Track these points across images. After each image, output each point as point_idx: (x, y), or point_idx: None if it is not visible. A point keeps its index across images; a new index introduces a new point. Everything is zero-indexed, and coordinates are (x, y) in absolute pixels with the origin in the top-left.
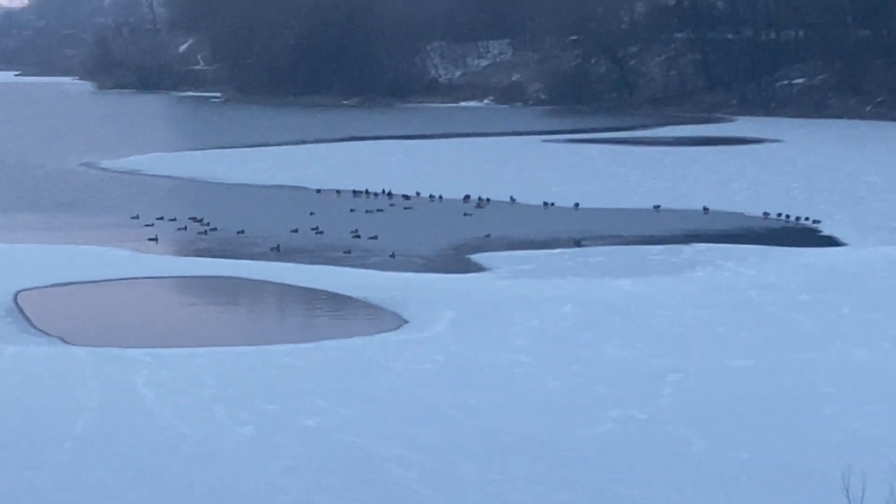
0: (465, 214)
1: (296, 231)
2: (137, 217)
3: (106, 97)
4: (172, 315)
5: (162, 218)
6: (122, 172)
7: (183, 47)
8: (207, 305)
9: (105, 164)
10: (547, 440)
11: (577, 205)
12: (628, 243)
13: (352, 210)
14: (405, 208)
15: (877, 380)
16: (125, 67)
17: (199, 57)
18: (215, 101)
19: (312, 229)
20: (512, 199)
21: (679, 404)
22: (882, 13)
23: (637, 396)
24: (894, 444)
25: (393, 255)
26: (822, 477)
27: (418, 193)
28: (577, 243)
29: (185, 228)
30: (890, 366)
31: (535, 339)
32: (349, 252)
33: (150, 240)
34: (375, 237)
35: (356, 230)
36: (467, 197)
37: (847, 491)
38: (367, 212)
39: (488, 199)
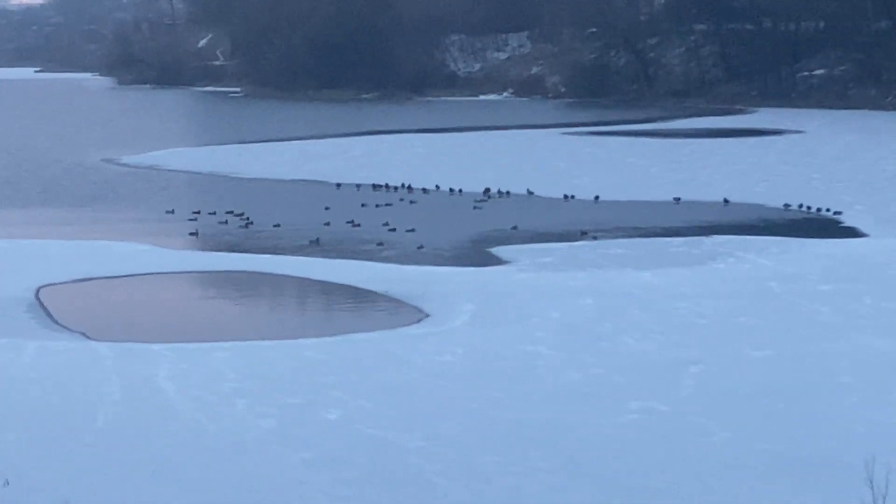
0: (474, 207)
1: (328, 224)
2: (173, 212)
3: (125, 92)
4: (193, 310)
5: (199, 212)
6: (142, 167)
7: (202, 42)
8: (228, 300)
9: (126, 159)
10: (567, 431)
11: (597, 197)
12: (648, 235)
13: (362, 205)
14: (411, 202)
15: None
16: (145, 63)
17: (218, 52)
18: (234, 96)
19: (348, 222)
20: (529, 191)
21: (700, 395)
22: None
23: (658, 387)
24: None
25: (421, 247)
26: (844, 467)
27: (438, 187)
28: (585, 234)
29: (227, 223)
30: None
31: (555, 331)
32: (381, 244)
33: (192, 234)
34: (413, 230)
35: (387, 223)
36: (487, 190)
37: (871, 481)
38: (387, 205)
39: (500, 192)
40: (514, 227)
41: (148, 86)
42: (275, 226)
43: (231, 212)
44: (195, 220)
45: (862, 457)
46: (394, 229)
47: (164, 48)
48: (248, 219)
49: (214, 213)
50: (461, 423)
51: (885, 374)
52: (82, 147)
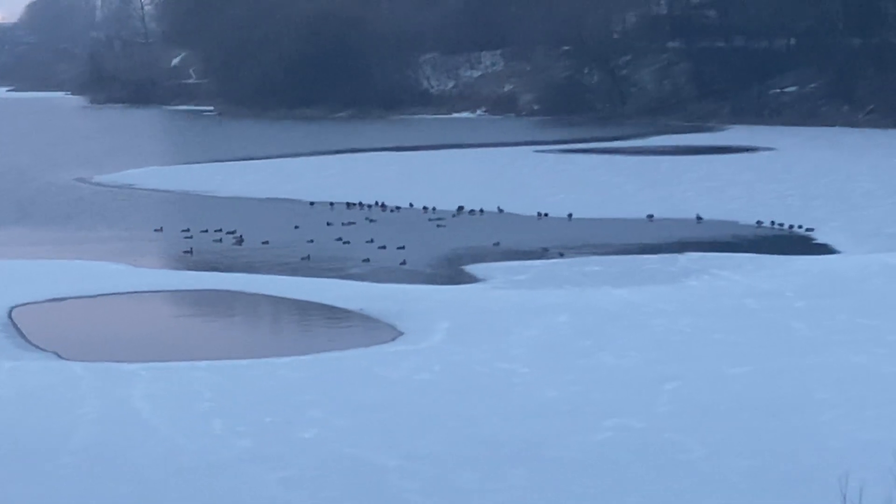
0: (437, 226)
1: (312, 241)
2: (161, 230)
3: (98, 111)
4: (169, 329)
5: (189, 230)
6: (116, 186)
7: (175, 61)
8: (204, 319)
9: (99, 178)
10: (546, 449)
11: (570, 215)
12: (623, 252)
13: (328, 223)
14: (371, 220)
15: (874, 385)
16: (118, 82)
17: (191, 71)
18: (208, 115)
19: (337, 239)
20: (499, 209)
21: (677, 412)
22: (873, 21)
23: (635, 404)
24: (892, 450)
25: (404, 262)
26: (820, 483)
27: (412, 205)
28: (547, 251)
29: (221, 241)
30: (887, 371)
31: (532, 349)
32: (368, 260)
33: (186, 252)
34: (403, 247)
35: (371, 240)
36: (461, 208)
37: (844, 497)
38: (350, 223)
39: (472, 211)
40: (497, 244)
41: (121, 105)
42: (263, 243)
43: (221, 229)
44: (190, 237)
45: (837, 473)
46: (384, 247)
47: (137, 67)
48: (240, 236)
49: (207, 231)
50: (439, 440)
51: (860, 390)
52: (55, 166)
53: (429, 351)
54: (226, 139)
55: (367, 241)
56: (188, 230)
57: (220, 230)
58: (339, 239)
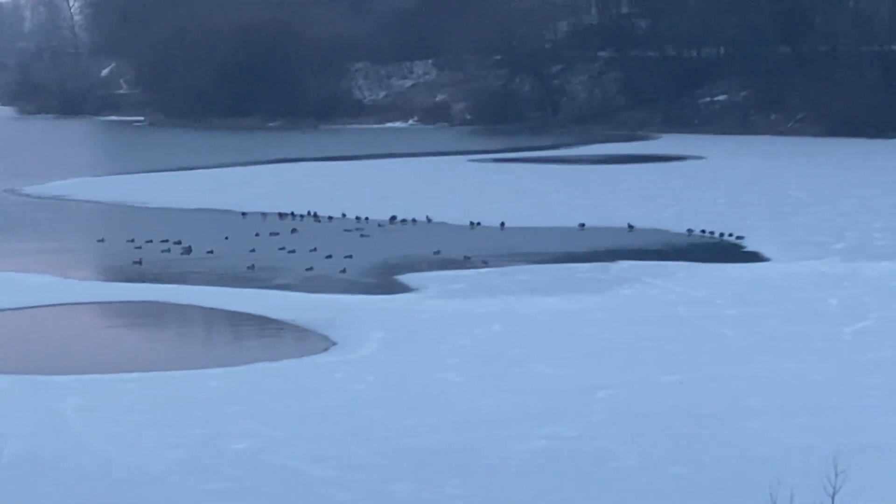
0: (361, 236)
1: (254, 251)
2: (103, 240)
3: (27, 122)
4: (101, 341)
5: (133, 240)
6: (47, 198)
7: (105, 71)
8: (135, 331)
9: (29, 189)
10: (480, 458)
11: (503, 224)
12: (555, 261)
13: (256, 234)
14: (293, 230)
15: (804, 392)
16: (47, 92)
17: (121, 81)
18: (138, 125)
19: (281, 249)
20: (428, 218)
21: (610, 420)
22: (801, 30)
23: (568, 413)
24: (821, 456)
25: (344, 271)
26: (750, 490)
27: (344, 215)
28: (469, 259)
29: (169, 251)
30: (816, 378)
31: (465, 358)
32: (311, 269)
33: (136, 262)
34: (351, 256)
35: (315, 248)
36: (393, 217)
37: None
38: (275, 233)
39: (404, 220)
40: (437, 252)
41: (51, 115)
42: (208, 252)
43: (167, 240)
44: (139, 248)
45: (767, 479)
46: (329, 256)
47: (66, 77)
48: (189, 246)
49: (152, 241)
50: (373, 451)
51: (790, 397)
52: None
53: (362, 361)
54: (157, 150)
55: (311, 250)
56: (133, 240)
57: (167, 240)
58: (283, 248)
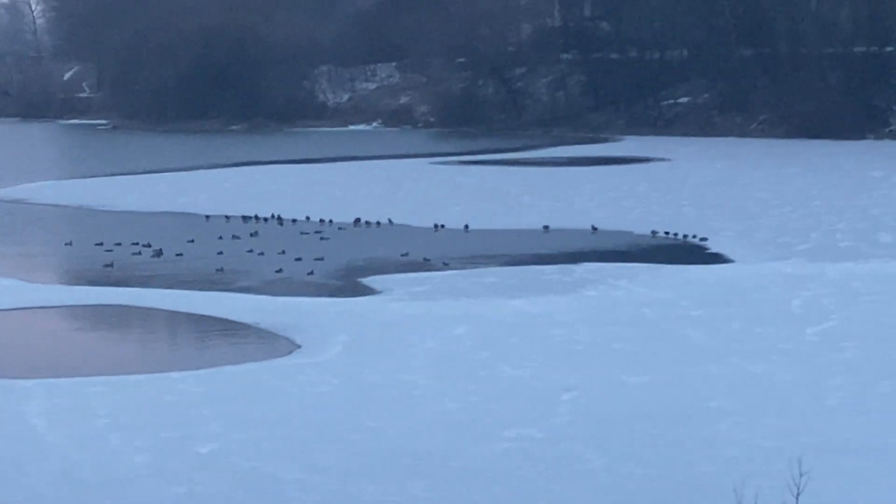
0: (321, 238)
1: (221, 253)
2: (71, 244)
3: None
4: (67, 345)
5: (102, 243)
6: (9, 201)
7: (68, 75)
8: (100, 334)
9: None
10: (446, 460)
11: (467, 226)
12: (520, 263)
13: (219, 237)
14: (252, 234)
15: (770, 393)
16: (9, 96)
17: (84, 84)
18: (102, 129)
19: (248, 251)
20: (390, 220)
21: (576, 421)
22: (764, 32)
23: (534, 415)
24: (787, 458)
25: (311, 273)
26: (716, 492)
27: (308, 217)
28: (428, 261)
29: (140, 253)
30: (782, 379)
31: (431, 360)
32: (281, 270)
33: (107, 266)
34: (322, 258)
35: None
36: (357, 220)
37: None
38: (234, 237)
39: (368, 222)
40: (406, 254)
41: (13, 119)
42: (177, 255)
43: (137, 242)
44: (110, 251)
45: (733, 481)
46: (300, 258)
47: (29, 81)
48: (159, 249)
49: (121, 244)
50: (340, 454)
51: (756, 398)
52: None
53: (326, 364)
54: (120, 153)
55: (279, 253)
56: (102, 243)
57: (137, 243)
58: (251, 251)
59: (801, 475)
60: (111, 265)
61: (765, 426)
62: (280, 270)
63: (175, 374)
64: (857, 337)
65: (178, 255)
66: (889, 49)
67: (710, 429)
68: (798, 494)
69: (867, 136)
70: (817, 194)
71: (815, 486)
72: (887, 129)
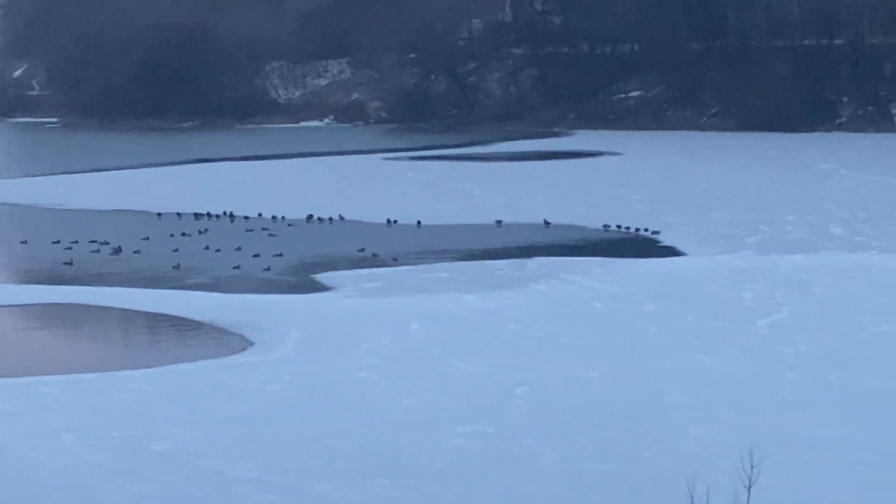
0: (270, 235)
1: (177, 250)
2: (26, 242)
3: None
4: (18, 344)
5: (59, 241)
6: None
7: (17, 72)
8: (54, 333)
9: None
10: (404, 457)
11: (419, 222)
12: (473, 258)
13: (184, 233)
14: (202, 231)
15: (723, 387)
16: None
17: (34, 82)
18: (51, 127)
19: (206, 248)
20: (341, 217)
21: (530, 417)
22: (715, 27)
23: (489, 410)
24: (740, 450)
25: (268, 269)
26: (669, 485)
27: (260, 214)
28: (377, 256)
29: (98, 251)
30: (735, 373)
31: (385, 357)
32: (238, 267)
33: (66, 263)
34: (280, 254)
35: (240, 247)
36: (310, 216)
37: (692, 498)
38: (184, 234)
39: (320, 219)
40: (362, 250)
41: None
42: (135, 252)
43: (96, 240)
44: (69, 249)
45: (686, 474)
46: (257, 254)
47: None
48: (118, 247)
49: (77, 242)
50: (297, 451)
51: (709, 391)
52: None
53: (280, 361)
54: (71, 151)
55: (236, 249)
56: (59, 241)
57: (96, 241)
58: (207, 248)
59: (752, 467)
60: (70, 263)
61: (718, 420)
62: (238, 267)
63: (128, 373)
64: (808, 329)
65: (135, 252)
66: (839, 42)
67: (664, 422)
68: (750, 486)
69: (818, 129)
70: (768, 187)
71: (767, 478)
72: (837, 122)
